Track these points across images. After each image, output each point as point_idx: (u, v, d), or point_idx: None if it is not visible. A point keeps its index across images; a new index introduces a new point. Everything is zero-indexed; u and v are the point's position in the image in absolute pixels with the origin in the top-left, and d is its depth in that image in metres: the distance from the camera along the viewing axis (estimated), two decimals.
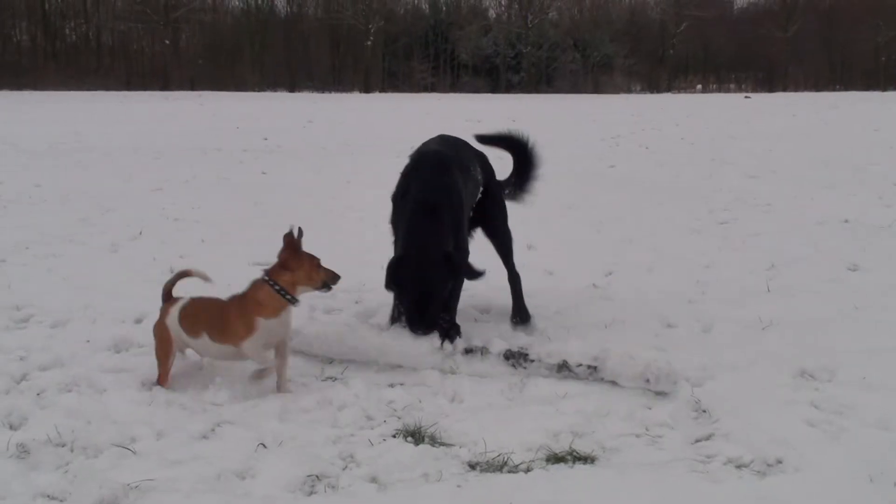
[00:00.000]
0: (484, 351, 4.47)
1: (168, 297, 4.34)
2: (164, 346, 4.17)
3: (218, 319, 4.14)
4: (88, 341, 4.74)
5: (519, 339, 4.75)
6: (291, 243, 4.13)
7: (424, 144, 5.34)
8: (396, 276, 4.64)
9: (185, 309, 4.22)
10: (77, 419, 3.70)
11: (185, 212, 9.23)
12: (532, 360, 4.37)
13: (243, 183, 11.92)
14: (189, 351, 4.34)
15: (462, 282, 4.90)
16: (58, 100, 38.64)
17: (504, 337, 4.71)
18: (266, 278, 4.14)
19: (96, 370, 4.30)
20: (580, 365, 4.28)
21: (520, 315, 5.31)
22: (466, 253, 5.01)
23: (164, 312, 4.25)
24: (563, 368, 4.30)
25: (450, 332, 4.63)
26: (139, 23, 66.88)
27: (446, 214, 4.73)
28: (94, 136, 19.68)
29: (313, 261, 4.16)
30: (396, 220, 4.99)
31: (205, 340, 4.15)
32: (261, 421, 3.78)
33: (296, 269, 4.12)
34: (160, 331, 4.20)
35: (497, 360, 4.42)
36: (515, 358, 4.41)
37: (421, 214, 4.69)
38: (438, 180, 4.82)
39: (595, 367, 4.25)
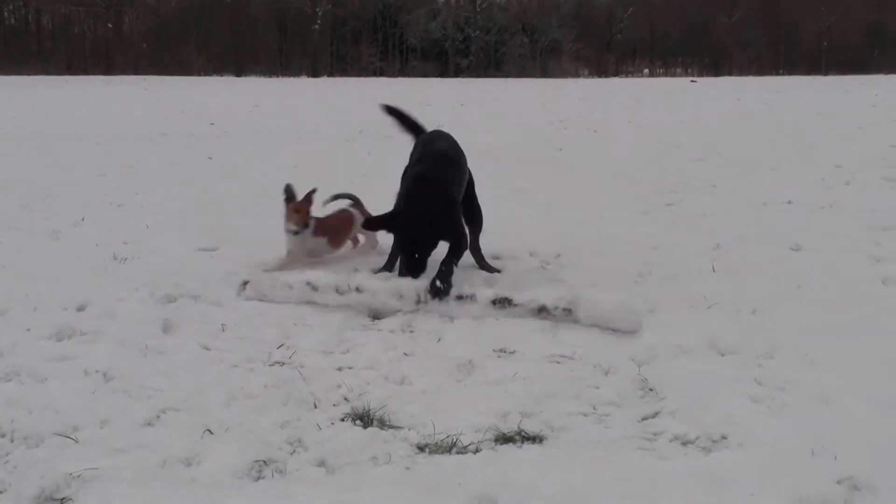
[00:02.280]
0: (473, 297, 5.05)
1: None
2: None
3: None
4: (29, 330, 4.62)
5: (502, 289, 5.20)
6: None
7: (430, 141, 6.22)
8: (395, 229, 5.55)
9: None
10: (17, 409, 3.61)
11: (129, 198, 9.07)
12: (515, 305, 4.95)
13: (189, 168, 11.75)
14: None
15: (460, 256, 5.63)
16: None
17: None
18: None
19: (38, 359, 4.19)
20: (556, 308, 4.87)
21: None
22: (465, 235, 5.78)
23: None
24: (543, 311, 4.90)
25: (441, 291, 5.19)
26: (80, 6, 65.52)
27: (440, 189, 5.57)
28: (34, 121, 19.26)
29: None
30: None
31: None
32: (207, 407, 3.73)
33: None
34: None
35: (485, 305, 5.00)
36: (501, 303, 4.98)
37: (418, 185, 5.58)
38: (439, 165, 5.77)
39: (569, 310, 4.85)
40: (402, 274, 5.54)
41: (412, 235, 5.47)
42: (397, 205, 5.68)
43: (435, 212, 5.46)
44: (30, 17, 68.38)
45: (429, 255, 5.53)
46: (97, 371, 4.06)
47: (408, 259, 5.49)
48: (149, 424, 3.57)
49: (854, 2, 72.05)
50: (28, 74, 51.65)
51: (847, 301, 5.27)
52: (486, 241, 6.41)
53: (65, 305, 5.05)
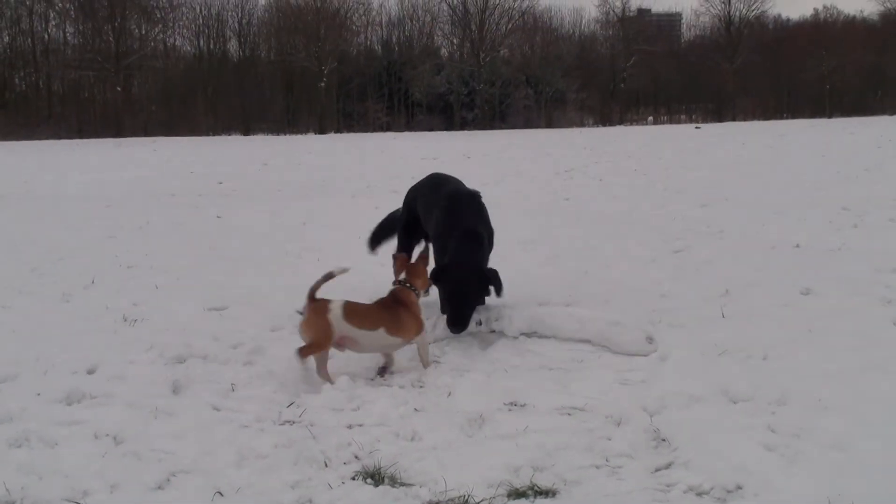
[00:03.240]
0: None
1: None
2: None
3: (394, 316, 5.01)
4: (39, 394, 4.61)
5: None
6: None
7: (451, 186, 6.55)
8: (441, 281, 5.73)
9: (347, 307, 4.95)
10: (27, 475, 3.60)
11: (138, 259, 9.11)
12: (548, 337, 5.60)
13: (198, 228, 11.82)
14: None
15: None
16: (7, 149, 38.14)
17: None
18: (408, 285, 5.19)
19: (48, 423, 4.18)
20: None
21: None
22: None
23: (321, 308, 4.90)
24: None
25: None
26: (90, 70, 66.49)
27: (483, 241, 5.99)
28: (44, 184, 19.46)
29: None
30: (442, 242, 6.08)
31: (380, 333, 4.96)
32: (217, 468, 3.71)
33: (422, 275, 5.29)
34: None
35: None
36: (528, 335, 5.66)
37: (465, 239, 5.88)
38: (478, 216, 6.16)
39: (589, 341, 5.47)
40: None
41: (459, 295, 5.70)
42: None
43: (481, 269, 5.84)
44: (40, 82, 69.29)
45: (472, 310, 5.80)
46: (107, 435, 4.05)
47: (455, 316, 5.66)
48: (159, 488, 3.56)
49: (855, 46, 72.71)
50: (39, 139, 52.24)
51: (859, 344, 5.23)
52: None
53: (75, 369, 5.05)
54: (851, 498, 3.23)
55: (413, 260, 5.41)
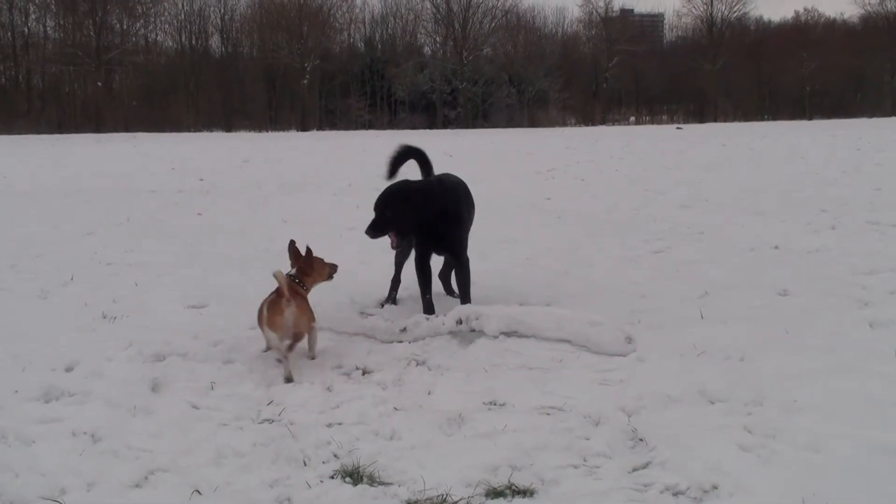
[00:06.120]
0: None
1: None
2: None
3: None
4: (17, 391, 4.59)
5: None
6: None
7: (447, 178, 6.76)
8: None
9: None
10: (4, 472, 3.59)
11: (118, 255, 9.06)
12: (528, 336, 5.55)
13: (178, 224, 11.76)
14: None
15: (469, 275, 6.36)
16: None
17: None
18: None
19: (25, 421, 4.17)
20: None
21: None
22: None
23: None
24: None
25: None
26: (71, 65, 66.00)
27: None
28: (23, 180, 19.29)
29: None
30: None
31: None
32: (195, 467, 3.70)
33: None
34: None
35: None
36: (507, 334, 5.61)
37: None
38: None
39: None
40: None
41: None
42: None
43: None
44: (20, 76, 68.77)
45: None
46: (85, 432, 4.04)
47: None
48: (137, 486, 3.55)
49: (835, 48, 73.29)
50: (19, 133, 51.81)
51: (835, 345, 5.28)
52: (474, 290, 6.43)
53: (53, 366, 5.03)
54: (825, 498, 3.27)
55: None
